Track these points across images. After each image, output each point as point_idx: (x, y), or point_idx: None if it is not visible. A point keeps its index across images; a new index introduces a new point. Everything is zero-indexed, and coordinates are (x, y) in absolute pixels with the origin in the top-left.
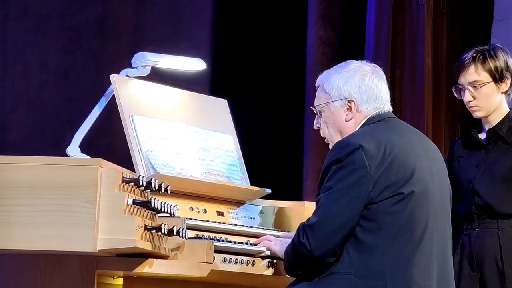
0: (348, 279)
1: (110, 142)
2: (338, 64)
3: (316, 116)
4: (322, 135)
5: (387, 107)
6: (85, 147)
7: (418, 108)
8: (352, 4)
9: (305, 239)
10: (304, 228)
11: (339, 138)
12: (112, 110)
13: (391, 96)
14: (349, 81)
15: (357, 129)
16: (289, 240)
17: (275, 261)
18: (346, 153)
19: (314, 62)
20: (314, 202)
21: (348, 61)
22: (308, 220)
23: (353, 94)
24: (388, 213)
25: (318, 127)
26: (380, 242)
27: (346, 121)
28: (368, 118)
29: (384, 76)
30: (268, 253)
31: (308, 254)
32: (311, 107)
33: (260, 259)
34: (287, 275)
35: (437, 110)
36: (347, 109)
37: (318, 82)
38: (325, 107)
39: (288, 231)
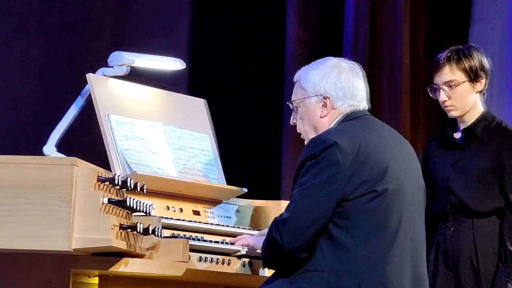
0: (321, 276)
1: (90, 141)
2: (317, 60)
3: (293, 111)
4: (298, 131)
5: (363, 105)
6: (65, 146)
7: (396, 107)
8: (330, 4)
9: (277, 234)
10: (277, 223)
11: (313, 135)
12: (92, 109)
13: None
14: (325, 77)
15: (332, 125)
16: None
17: (250, 260)
18: (320, 150)
19: (292, 63)
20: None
21: (326, 57)
22: (281, 215)
23: (328, 91)
24: (362, 210)
25: (294, 122)
26: (353, 240)
27: (321, 117)
28: (344, 115)
29: (362, 73)
30: (244, 252)
31: (280, 249)
32: (287, 102)
33: (235, 258)
34: (264, 269)
35: (414, 110)
36: (322, 105)
37: (296, 77)
38: (301, 103)
39: None
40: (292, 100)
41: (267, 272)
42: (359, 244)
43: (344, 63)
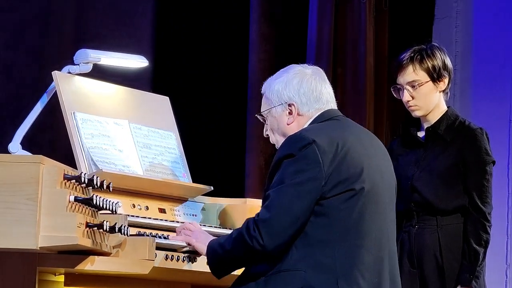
0: (299, 275)
1: (52, 139)
2: (281, 69)
3: (265, 124)
4: (271, 142)
5: (330, 106)
6: (27, 144)
7: (360, 106)
8: (294, 1)
9: (257, 233)
10: (256, 222)
11: None
12: (55, 107)
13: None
14: (287, 85)
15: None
16: (209, 236)
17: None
18: (299, 148)
19: (256, 60)
20: (256, 200)
21: (290, 65)
22: (259, 214)
23: (292, 98)
24: (339, 209)
25: (267, 134)
26: (331, 238)
27: (288, 124)
28: (316, 118)
29: (325, 77)
30: (189, 248)
31: (261, 248)
32: (256, 115)
33: (202, 256)
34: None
35: (378, 108)
36: (289, 112)
37: (262, 89)
38: (268, 114)
39: (230, 228)
40: (261, 112)
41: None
42: (336, 242)
43: (307, 69)
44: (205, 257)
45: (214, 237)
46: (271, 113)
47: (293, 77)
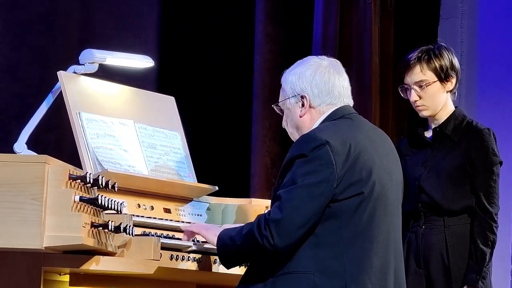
0: (307, 278)
1: (57, 139)
2: (298, 61)
3: (282, 115)
4: (289, 133)
5: (342, 102)
6: (32, 143)
7: (365, 105)
8: (299, 1)
9: (268, 232)
10: (267, 221)
11: (297, 135)
12: (60, 107)
13: None
14: (301, 76)
15: (316, 125)
16: (218, 227)
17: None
18: (311, 148)
19: (261, 59)
20: (261, 200)
21: (307, 57)
22: (270, 213)
23: (304, 89)
24: (350, 212)
25: (284, 125)
26: (341, 241)
27: (301, 116)
28: (330, 115)
29: (341, 70)
30: (194, 248)
31: (271, 248)
32: (272, 106)
33: (207, 256)
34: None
35: (384, 108)
36: (301, 105)
37: (281, 79)
38: (283, 105)
39: None
40: (278, 103)
41: (239, 270)
42: (346, 245)
43: (323, 61)
44: (211, 255)
45: (222, 226)
46: (286, 104)
47: (307, 68)
